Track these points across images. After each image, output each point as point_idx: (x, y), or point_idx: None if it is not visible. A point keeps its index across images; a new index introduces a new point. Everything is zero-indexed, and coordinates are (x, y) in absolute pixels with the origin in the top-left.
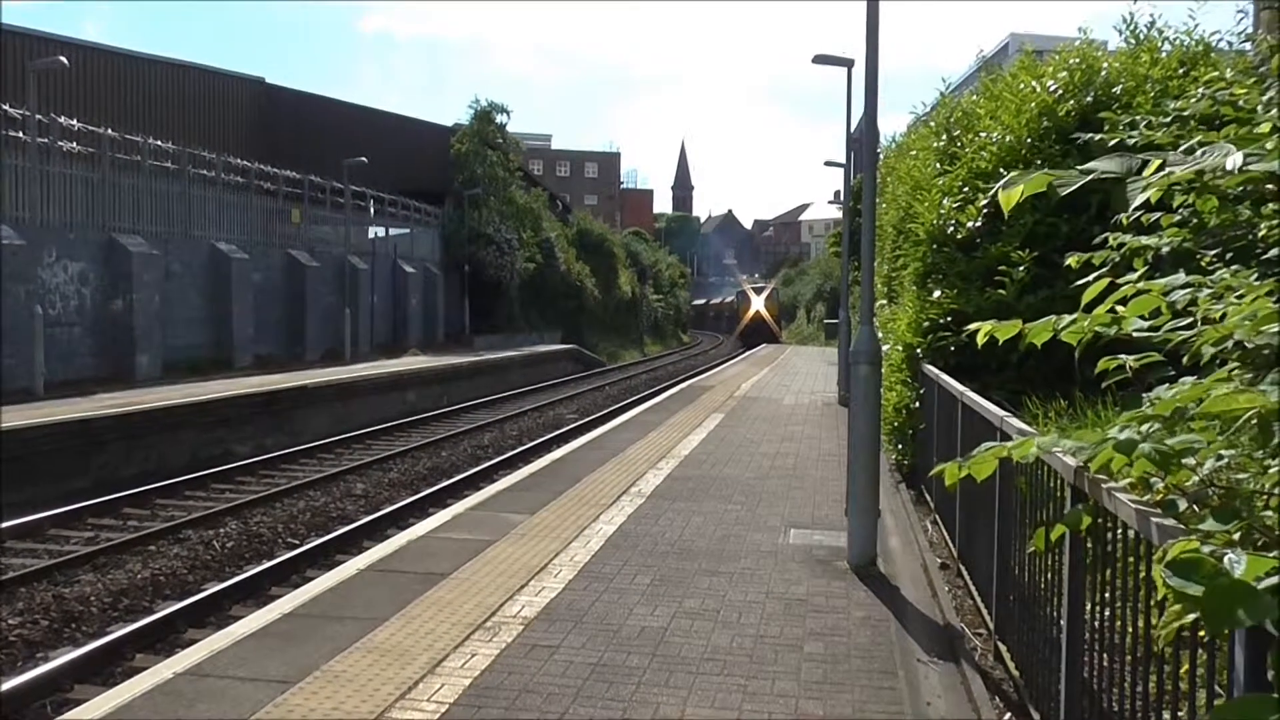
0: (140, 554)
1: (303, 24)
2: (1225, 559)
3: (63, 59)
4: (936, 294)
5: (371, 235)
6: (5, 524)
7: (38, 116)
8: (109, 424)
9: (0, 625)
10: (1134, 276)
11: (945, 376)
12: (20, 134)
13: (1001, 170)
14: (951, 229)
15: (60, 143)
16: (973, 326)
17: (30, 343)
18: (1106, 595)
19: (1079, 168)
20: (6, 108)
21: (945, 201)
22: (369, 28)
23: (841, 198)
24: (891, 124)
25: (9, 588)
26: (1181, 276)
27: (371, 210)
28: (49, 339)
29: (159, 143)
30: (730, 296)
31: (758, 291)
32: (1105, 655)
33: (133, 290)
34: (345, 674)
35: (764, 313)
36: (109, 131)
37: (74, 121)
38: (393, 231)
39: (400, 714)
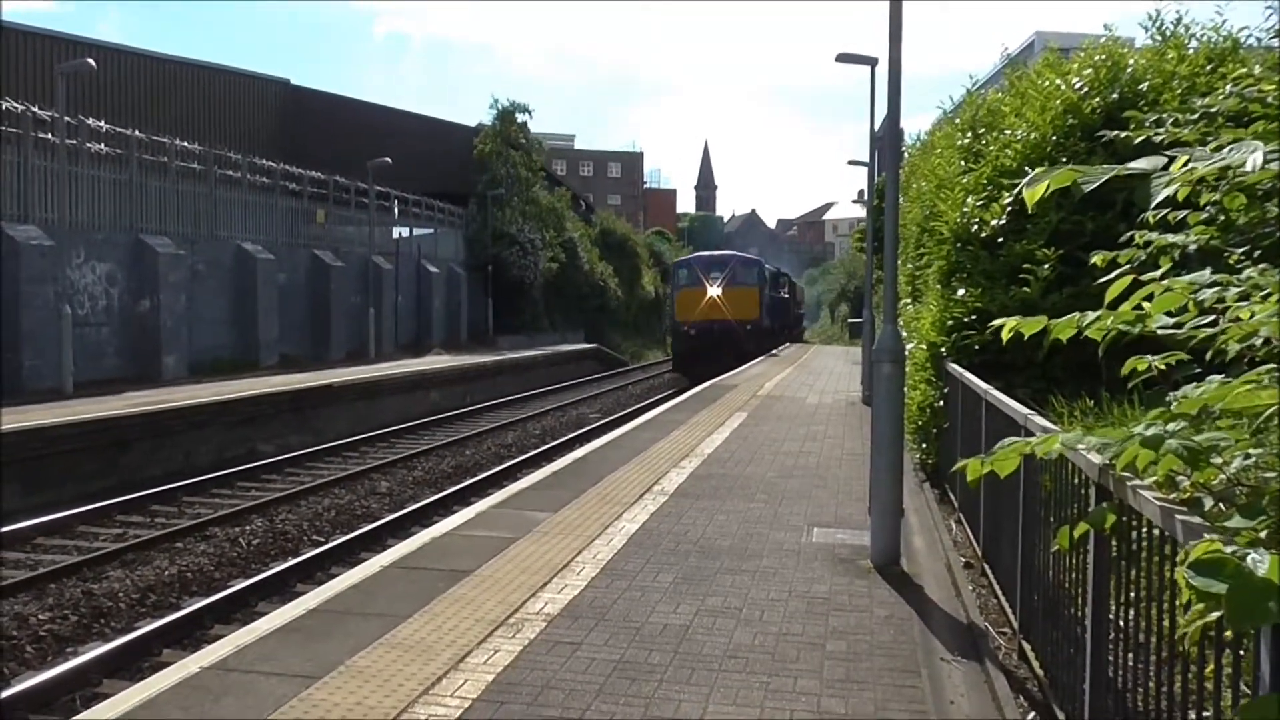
0: (168, 551)
1: (316, 25)
2: (1248, 558)
3: (91, 62)
4: (961, 292)
5: (396, 235)
6: (36, 520)
7: (66, 118)
8: (136, 423)
9: (31, 620)
10: (1158, 273)
11: (969, 375)
12: (49, 136)
13: (1026, 168)
14: (976, 227)
15: (88, 145)
16: (998, 322)
17: (59, 343)
18: (1131, 594)
19: (1104, 165)
20: (36, 110)
21: (969, 200)
22: (381, 30)
23: (865, 196)
24: (915, 123)
25: (40, 583)
26: (1208, 274)
27: (396, 211)
28: (77, 339)
29: (186, 144)
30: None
31: (713, 269)
32: (1130, 654)
33: (159, 291)
34: (369, 669)
35: (723, 303)
36: (136, 133)
37: (102, 123)
38: (417, 232)
39: (423, 709)
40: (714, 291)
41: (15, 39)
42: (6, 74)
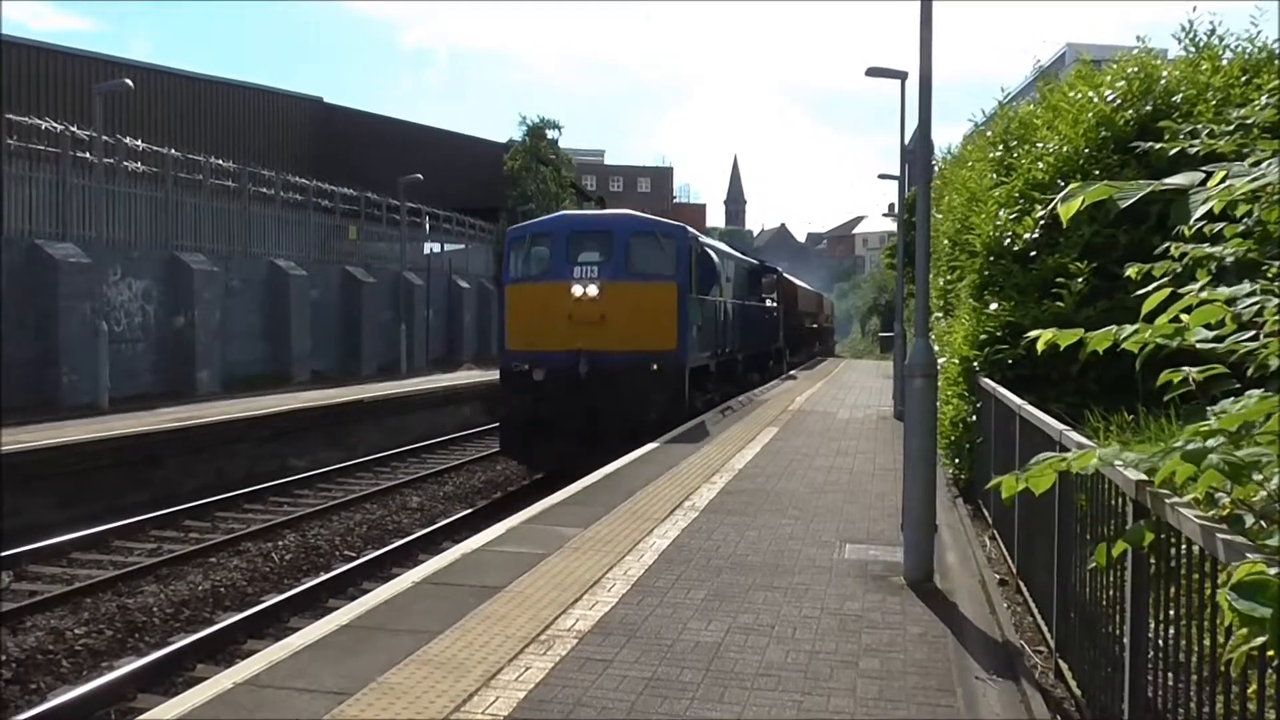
0: (201, 566)
1: (347, 38)
2: None
3: (128, 82)
4: (993, 306)
5: (427, 251)
6: (71, 535)
7: (103, 138)
8: (169, 438)
9: (67, 634)
10: (1196, 286)
11: (1002, 390)
12: (87, 155)
13: (1059, 181)
14: (1008, 240)
15: (125, 163)
16: (1034, 334)
17: (95, 359)
18: (1171, 612)
19: (1140, 180)
20: (74, 129)
21: (1002, 213)
22: (410, 42)
23: (896, 210)
24: (946, 135)
25: (75, 598)
26: (1247, 286)
27: (427, 227)
28: (114, 355)
29: (220, 162)
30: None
31: (585, 247)
32: (1170, 674)
33: (194, 307)
34: (400, 686)
35: (600, 315)
36: (172, 152)
37: (138, 142)
38: (447, 247)
39: None
40: (582, 290)
41: (54, 60)
42: (45, 95)
